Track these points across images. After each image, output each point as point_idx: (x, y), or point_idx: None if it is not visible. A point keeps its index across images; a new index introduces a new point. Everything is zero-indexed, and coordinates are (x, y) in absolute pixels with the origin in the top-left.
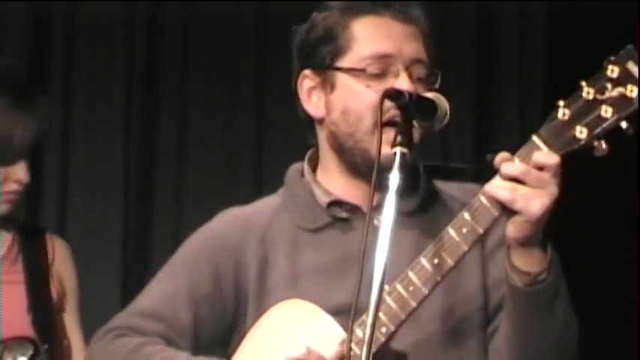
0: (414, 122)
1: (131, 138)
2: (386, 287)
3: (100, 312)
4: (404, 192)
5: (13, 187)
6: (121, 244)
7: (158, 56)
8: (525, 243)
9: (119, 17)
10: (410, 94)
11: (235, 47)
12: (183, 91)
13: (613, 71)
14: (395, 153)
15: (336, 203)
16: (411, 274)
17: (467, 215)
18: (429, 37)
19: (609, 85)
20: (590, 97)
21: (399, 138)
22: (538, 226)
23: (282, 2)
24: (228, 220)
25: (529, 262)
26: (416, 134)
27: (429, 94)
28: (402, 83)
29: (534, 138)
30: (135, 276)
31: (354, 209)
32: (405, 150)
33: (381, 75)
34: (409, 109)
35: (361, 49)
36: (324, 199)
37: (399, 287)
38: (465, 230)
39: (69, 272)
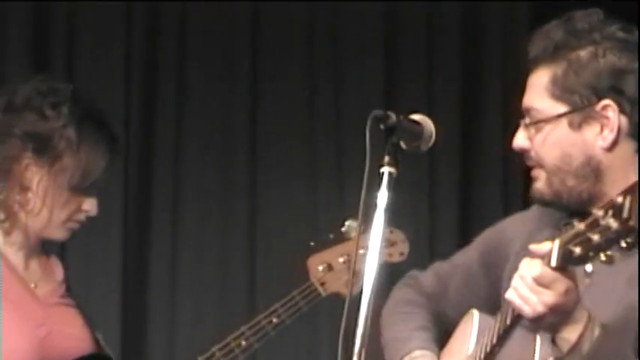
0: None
1: (129, 170)
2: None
3: None
4: None
5: (81, 216)
6: (120, 277)
7: (154, 101)
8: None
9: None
10: (398, 117)
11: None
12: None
13: (625, 202)
14: (382, 173)
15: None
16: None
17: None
18: (570, 62)
19: (621, 214)
20: (600, 217)
21: (386, 158)
22: (540, 327)
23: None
24: (514, 219)
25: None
26: None
27: (416, 116)
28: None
29: (556, 241)
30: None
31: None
32: (392, 170)
33: None
34: (396, 131)
35: None
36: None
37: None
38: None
39: None
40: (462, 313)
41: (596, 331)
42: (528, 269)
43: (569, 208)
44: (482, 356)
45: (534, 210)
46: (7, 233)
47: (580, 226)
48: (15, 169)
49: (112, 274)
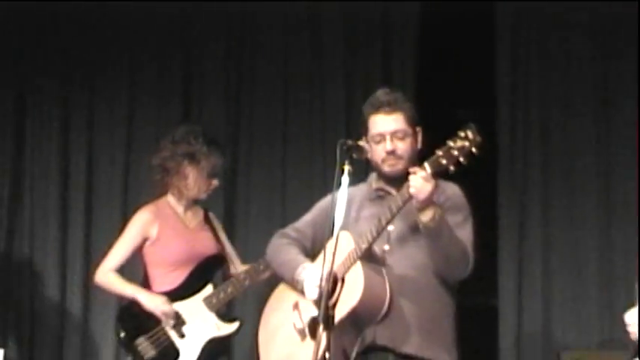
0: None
1: None
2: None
3: None
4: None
5: (212, 188)
6: None
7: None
8: (419, 208)
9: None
10: (353, 141)
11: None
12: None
13: (467, 133)
14: (345, 169)
15: (379, 189)
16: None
17: (397, 194)
18: (406, 110)
19: (468, 138)
20: (452, 145)
21: (347, 161)
22: (422, 204)
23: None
24: (347, 191)
25: (423, 216)
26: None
27: (361, 142)
28: (386, 146)
29: (425, 164)
30: None
31: (387, 193)
32: (350, 168)
33: (380, 141)
34: (352, 149)
35: (372, 131)
36: (374, 186)
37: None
38: (397, 200)
39: (221, 231)
40: (316, 246)
41: (440, 211)
42: (418, 174)
43: (397, 176)
44: (375, 231)
45: (358, 186)
46: (178, 200)
47: (439, 152)
48: (180, 171)
49: None
